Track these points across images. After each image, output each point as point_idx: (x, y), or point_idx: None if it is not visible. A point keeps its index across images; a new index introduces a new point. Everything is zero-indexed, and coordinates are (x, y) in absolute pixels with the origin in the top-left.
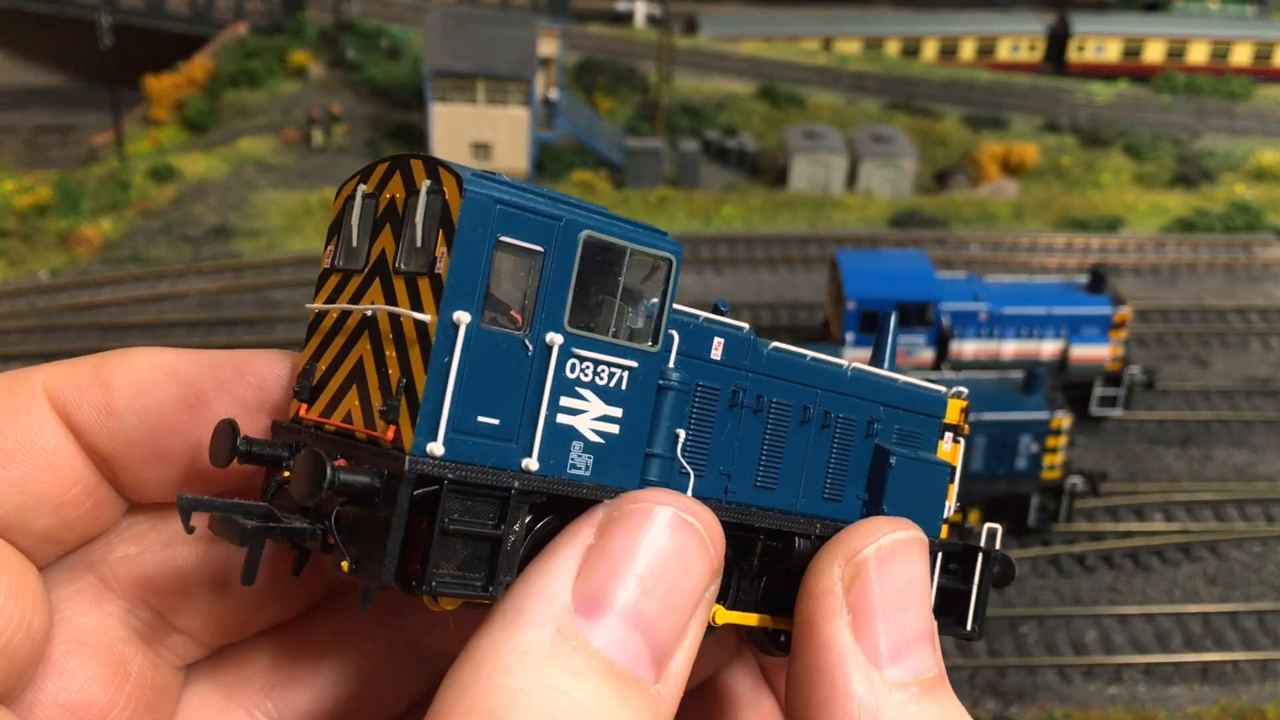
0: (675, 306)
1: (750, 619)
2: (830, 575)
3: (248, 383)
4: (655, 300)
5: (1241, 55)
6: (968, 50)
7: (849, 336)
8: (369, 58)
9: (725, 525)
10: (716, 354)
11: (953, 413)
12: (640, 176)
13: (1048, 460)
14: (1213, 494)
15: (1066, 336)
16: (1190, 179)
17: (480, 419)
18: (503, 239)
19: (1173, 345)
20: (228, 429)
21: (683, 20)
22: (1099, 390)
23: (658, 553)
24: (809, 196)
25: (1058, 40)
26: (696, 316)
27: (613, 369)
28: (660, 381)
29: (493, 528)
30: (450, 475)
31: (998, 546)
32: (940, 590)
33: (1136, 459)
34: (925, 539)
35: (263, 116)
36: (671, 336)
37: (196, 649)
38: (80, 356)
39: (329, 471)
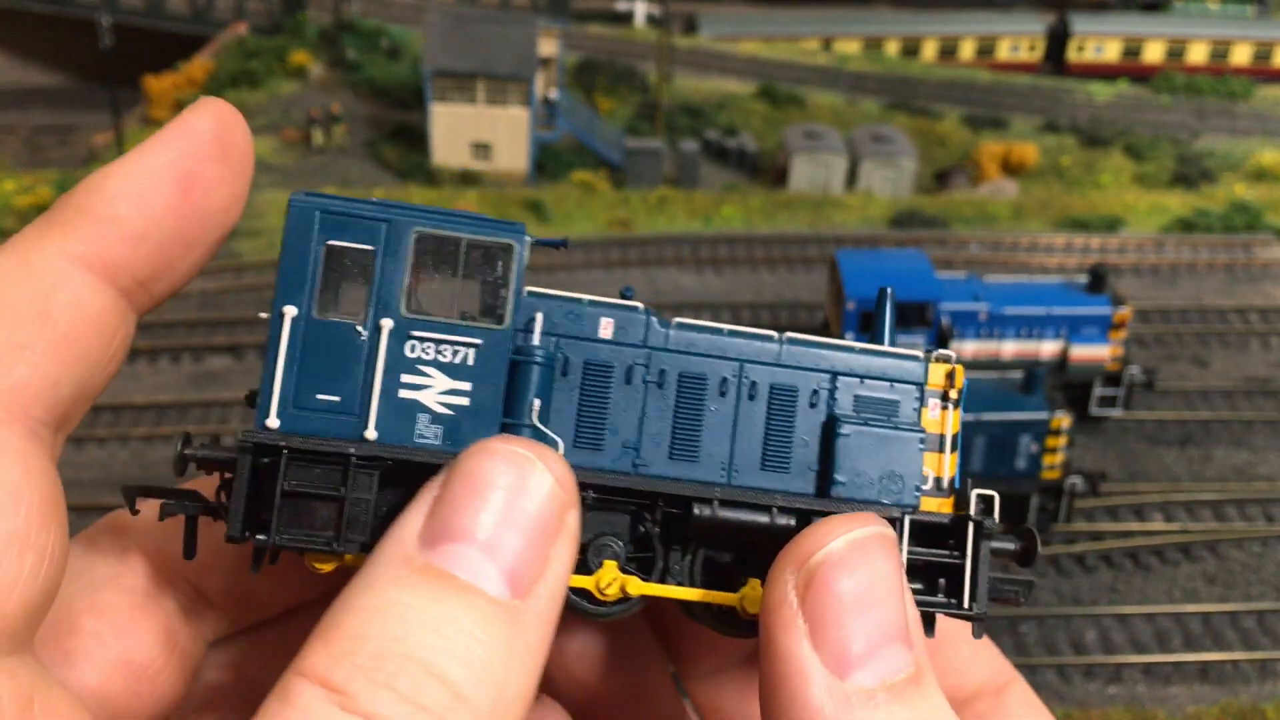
0: (562, 293)
1: (677, 592)
2: (784, 584)
3: (217, 141)
4: (501, 283)
5: (1241, 55)
6: (967, 50)
7: (849, 336)
8: (369, 58)
9: (628, 494)
10: (606, 333)
11: (936, 377)
12: (640, 176)
13: (1047, 460)
14: (1212, 494)
15: (1066, 336)
16: (1190, 179)
17: (320, 396)
18: (331, 242)
19: (1172, 345)
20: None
21: (682, 20)
22: (1099, 390)
23: (492, 484)
24: (809, 196)
25: (1057, 40)
26: (581, 300)
27: (456, 347)
28: (515, 356)
29: (334, 490)
30: (287, 444)
31: (996, 515)
32: (938, 568)
33: (1136, 459)
34: (889, 534)
35: (263, 116)
36: (534, 317)
37: (224, 626)
38: (57, 205)
39: (179, 445)
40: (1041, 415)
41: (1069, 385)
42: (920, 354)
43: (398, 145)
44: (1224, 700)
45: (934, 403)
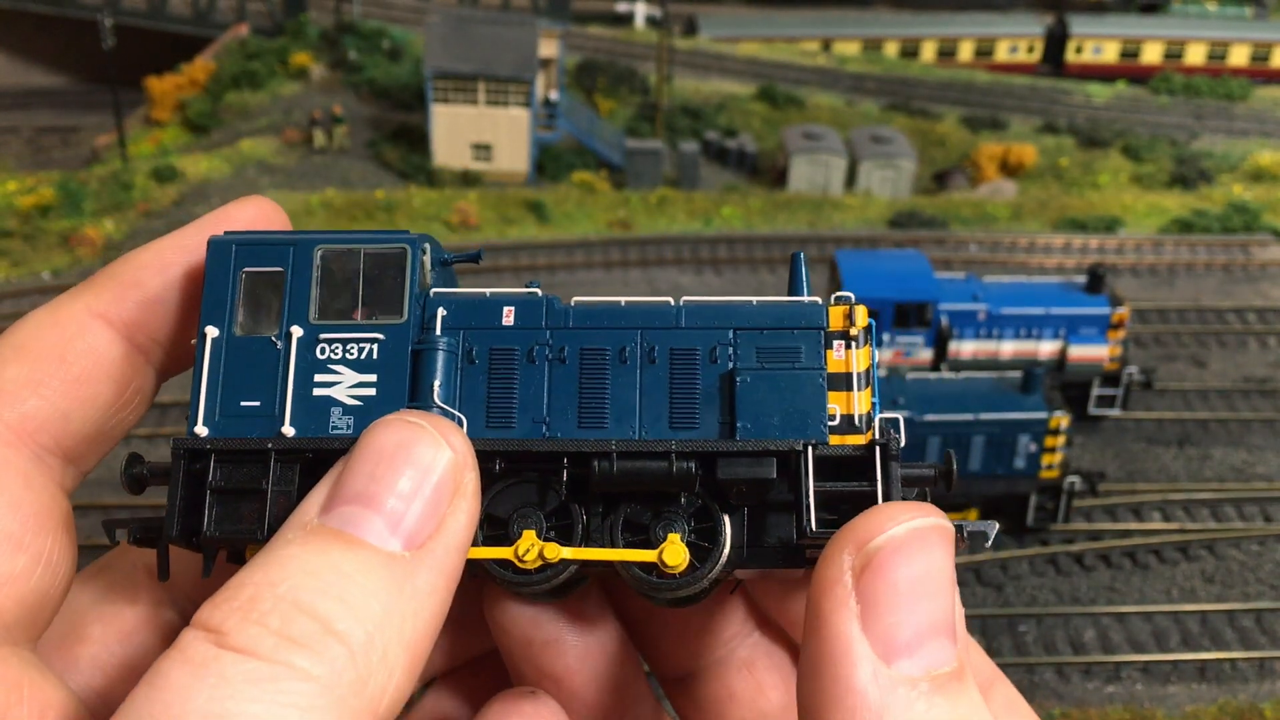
0: (469, 290)
1: (594, 553)
2: (840, 563)
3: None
4: (398, 284)
5: (1239, 56)
6: (966, 51)
7: None
8: (370, 59)
9: (533, 458)
10: (508, 320)
11: (836, 319)
12: (640, 177)
13: (1046, 460)
14: (1210, 493)
15: (1064, 336)
16: (1188, 180)
17: (243, 403)
18: (247, 269)
19: (1171, 345)
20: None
21: (682, 21)
22: (1097, 390)
23: (381, 450)
24: (808, 197)
25: (1056, 41)
26: (485, 293)
27: (361, 343)
28: (417, 346)
29: (257, 483)
30: (213, 447)
31: (901, 437)
32: (841, 497)
33: (1134, 459)
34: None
35: (264, 118)
36: (435, 313)
37: None
38: (96, 273)
39: (125, 466)
40: (1040, 415)
41: (1067, 385)
42: (818, 299)
43: (399, 146)
44: (1222, 699)
45: (838, 344)
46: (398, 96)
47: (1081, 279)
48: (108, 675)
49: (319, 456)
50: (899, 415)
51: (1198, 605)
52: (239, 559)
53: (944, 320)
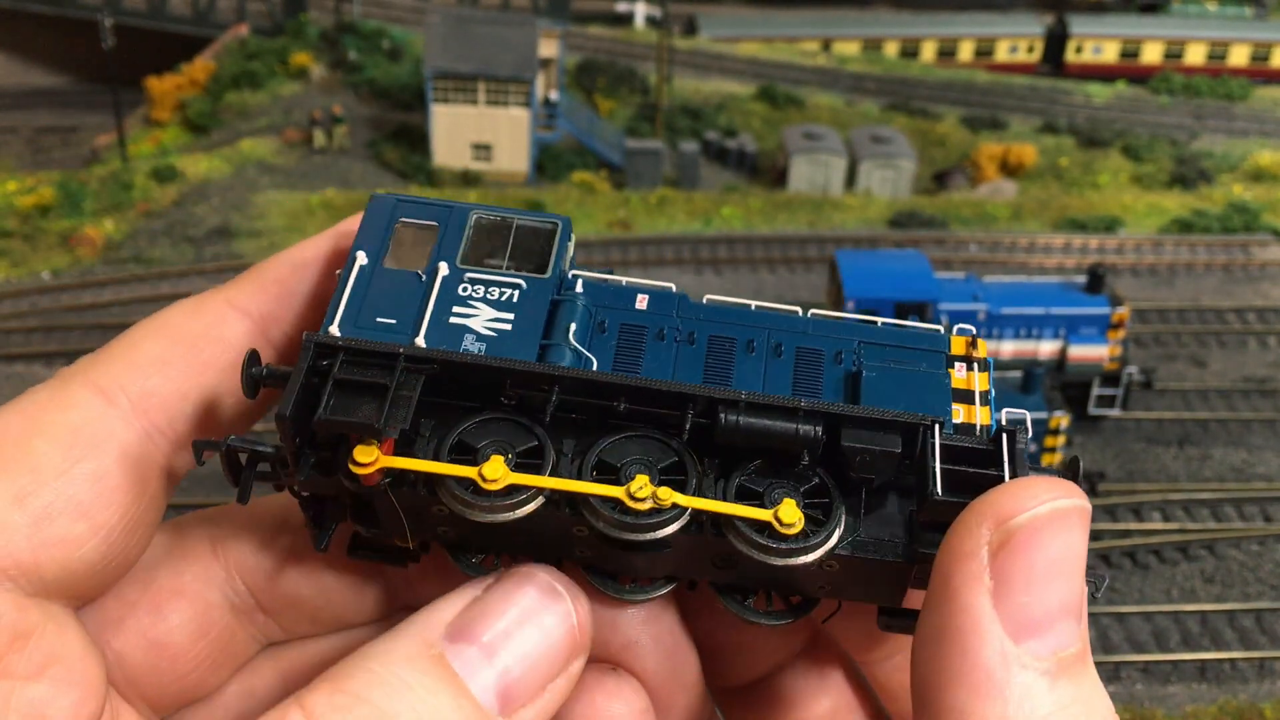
0: (603, 275)
1: (710, 504)
2: (977, 537)
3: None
4: (545, 249)
5: (1239, 56)
6: (966, 51)
7: None
8: (370, 59)
9: (660, 396)
10: (641, 306)
11: (958, 347)
12: (640, 177)
13: (1046, 460)
14: (1210, 493)
15: (1064, 336)
16: (1188, 180)
17: (379, 319)
18: (404, 219)
19: (1170, 345)
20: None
21: (682, 21)
22: (1097, 390)
23: (526, 610)
24: (808, 197)
25: (1056, 41)
26: (621, 280)
27: (503, 288)
28: (555, 297)
29: (381, 380)
30: (345, 344)
31: (1030, 434)
32: (969, 480)
33: (1134, 458)
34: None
35: (264, 117)
36: (574, 281)
37: (277, 632)
38: (241, 274)
39: (245, 364)
40: (1040, 415)
41: (1067, 385)
42: (940, 328)
43: (399, 146)
44: (1222, 699)
45: (959, 365)
46: (398, 96)
47: (1081, 279)
48: (127, 640)
49: (445, 370)
50: (1024, 414)
51: (1198, 605)
52: (318, 515)
53: (944, 320)
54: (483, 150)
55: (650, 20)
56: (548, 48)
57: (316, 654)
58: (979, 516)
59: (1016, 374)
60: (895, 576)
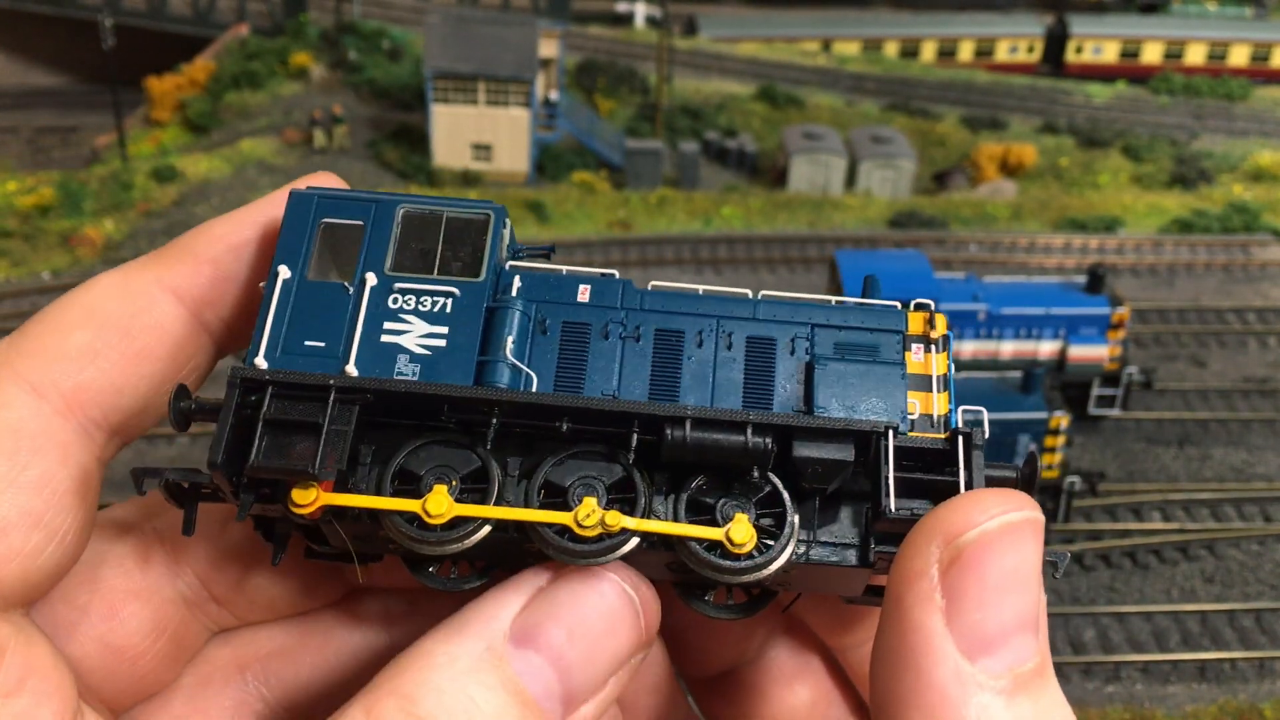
0: (543, 266)
1: (658, 526)
2: (926, 555)
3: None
4: (478, 247)
5: (1239, 56)
6: (966, 51)
7: None
8: (370, 59)
9: (604, 416)
10: (583, 297)
11: (915, 324)
12: (640, 177)
13: (1046, 460)
14: (1210, 493)
15: (1064, 337)
16: (1188, 180)
17: (308, 343)
18: (326, 220)
19: (1170, 345)
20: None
21: (682, 22)
22: (1097, 390)
23: (592, 610)
24: (808, 197)
25: (1056, 41)
26: (560, 270)
27: (435, 297)
28: (491, 304)
29: (313, 418)
30: (272, 379)
31: (986, 432)
32: (924, 486)
33: (1134, 459)
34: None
35: (264, 118)
36: (511, 277)
37: (229, 620)
38: (169, 243)
39: (172, 397)
40: (1040, 415)
41: (1067, 385)
42: (897, 304)
43: (399, 146)
44: (1222, 699)
45: (916, 347)
46: (398, 96)
47: (1081, 279)
48: (83, 648)
49: (380, 398)
50: (981, 410)
51: (1198, 605)
52: (267, 529)
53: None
54: (483, 150)
55: (650, 20)
56: (548, 48)
57: (270, 640)
58: (928, 534)
59: (1016, 374)
60: (853, 576)
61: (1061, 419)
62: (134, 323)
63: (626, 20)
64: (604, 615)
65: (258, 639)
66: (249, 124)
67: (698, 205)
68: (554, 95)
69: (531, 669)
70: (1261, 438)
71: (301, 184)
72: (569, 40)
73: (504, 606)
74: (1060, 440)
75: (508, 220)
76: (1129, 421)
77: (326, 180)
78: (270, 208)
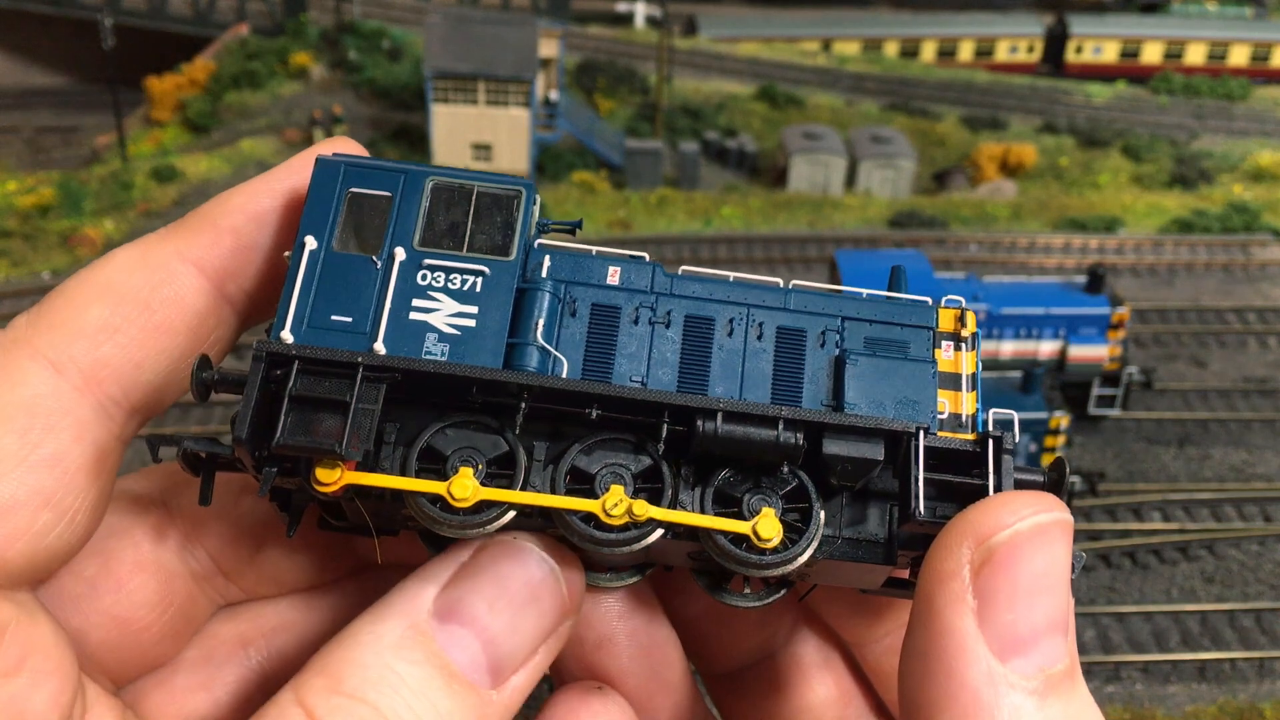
0: (573, 246)
1: (685, 517)
2: (958, 556)
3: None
4: (509, 224)
5: (1239, 56)
6: (966, 51)
7: None
8: (370, 59)
9: (635, 405)
10: (613, 280)
11: (946, 321)
12: (640, 177)
13: (1046, 460)
14: (1210, 493)
15: (1064, 336)
16: (1188, 180)
17: (334, 317)
18: (354, 190)
19: (1170, 345)
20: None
21: (682, 21)
22: (1097, 390)
23: (513, 581)
24: (808, 197)
25: (1056, 41)
26: (590, 251)
27: (465, 275)
28: (522, 285)
29: (341, 396)
30: (298, 354)
31: (1016, 436)
32: (952, 488)
33: (1134, 458)
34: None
35: (264, 117)
36: (540, 256)
37: (235, 594)
38: (188, 214)
39: (195, 368)
40: (1040, 415)
41: (1067, 385)
42: (928, 299)
43: (399, 146)
44: (1222, 699)
45: (946, 344)
46: (398, 96)
47: (1081, 279)
48: (89, 620)
49: (408, 378)
50: (1011, 413)
51: (1198, 605)
52: (284, 500)
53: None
54: (483, 150)
55: (650, 20)
56: (548, 48)
57: (275, 615)
58: (959, 536)
59: (1016, 374)
60: (874, 571)
61: (1061, 419)
62: (153, 296)
63: (626, 20)
64: (525, 585)
65: (263, 614)
66: (249, 124)
67: (698, 205)
68: (554, 95)
69: (456, 642)
70: (1261, 438)
71: (325, 149)
72: (569, 40)
73: (427, 584)
74: (1060, 440)
75: (537, 197)
76: (1129, 421)
77: (347, 146)
78: (290, 175)
